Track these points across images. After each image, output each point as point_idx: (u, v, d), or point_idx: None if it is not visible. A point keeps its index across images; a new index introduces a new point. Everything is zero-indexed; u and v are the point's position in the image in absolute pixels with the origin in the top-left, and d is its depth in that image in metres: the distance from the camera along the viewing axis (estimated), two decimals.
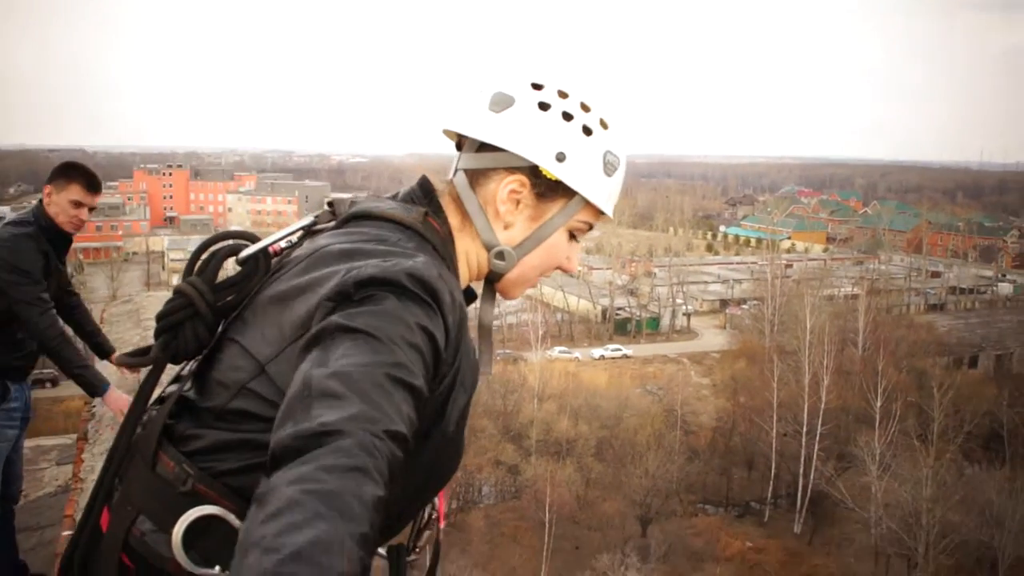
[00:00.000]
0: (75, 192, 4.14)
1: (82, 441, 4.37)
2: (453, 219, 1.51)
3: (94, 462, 4.04)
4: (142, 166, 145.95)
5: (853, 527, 36.80)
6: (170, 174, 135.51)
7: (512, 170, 1.47)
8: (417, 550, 1.64)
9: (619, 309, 72.74)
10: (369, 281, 1.21)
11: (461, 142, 1.54)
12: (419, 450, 1.28)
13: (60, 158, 4.59)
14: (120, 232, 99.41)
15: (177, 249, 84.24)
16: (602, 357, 61.85)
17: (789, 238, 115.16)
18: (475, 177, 1.50)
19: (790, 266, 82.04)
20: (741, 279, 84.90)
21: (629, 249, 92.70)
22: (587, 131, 1.47)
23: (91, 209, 4.25)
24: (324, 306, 1.21)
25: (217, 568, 1.30)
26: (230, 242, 1.49)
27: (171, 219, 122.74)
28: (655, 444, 39.28)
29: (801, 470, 38.83)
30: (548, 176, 1.46)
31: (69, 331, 4.23)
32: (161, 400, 1.49)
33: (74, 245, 4.37)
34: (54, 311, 4.11)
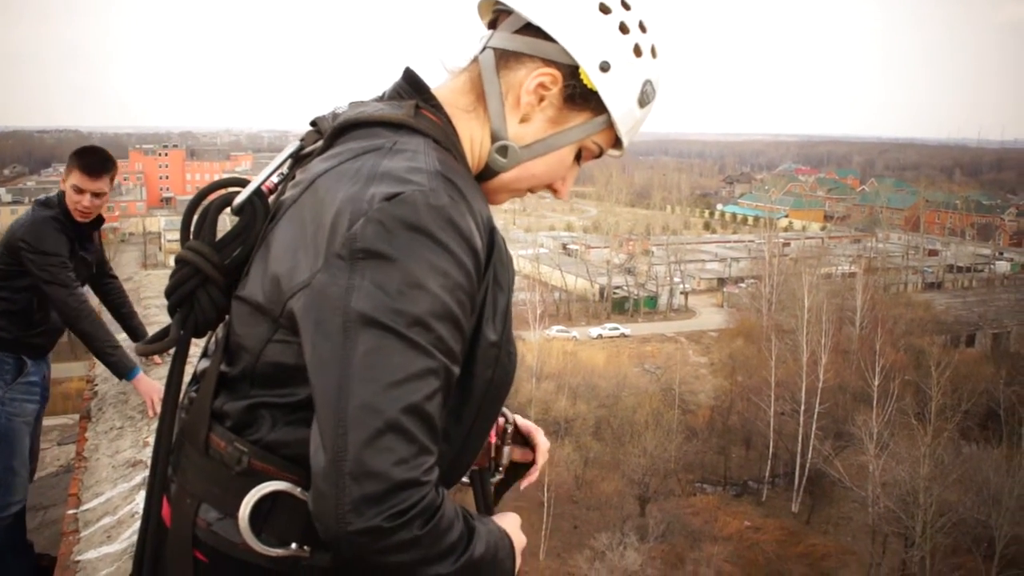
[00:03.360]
0: (74, 178, 4.05)
1: (84, 420, 4.33)
2: (464, 99, 1.40)
3: (97, 441, 4.00)
4: (137, 146, 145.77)
5: (851, 506, 36.90)
6: (166, 154, 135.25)
7: (548, 63, 1.34)
8: (501, 469, 1.64)
9: (616, 288, 72.69)
10: (381, 231, 1.13)
11: (496, 22, 1.42)
12: (469, 371, 1.26)
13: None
14: (117, 213, 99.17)
15: (174, 230, 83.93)
16: (600, 336, 61.83)
17: (787, 216, 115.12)
18: (504, 59, 1.37)
19: (788, 244, 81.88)
20: (739, 257, 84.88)
21: (626, 228, 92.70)
22: (638, 51, 1.37)
23: (97, 195, 4.11)
24: (334, 264, 1.14)
25: (293, 545, 1.24)
26: (221, 193, 1.38)
27: (167, 199, 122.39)
28: (653, 423, 39.27)
29: (799, 449, 38.86)
30: (585, 82, 1.35)
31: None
32: (195, 378, 1.41)
33: None
34: (81, 291, 4.07)
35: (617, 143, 1.44)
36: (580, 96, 1.36)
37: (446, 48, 1.47)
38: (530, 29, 1.35)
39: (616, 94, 1.37)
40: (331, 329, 1.12)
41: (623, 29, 1.36)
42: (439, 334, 1.13)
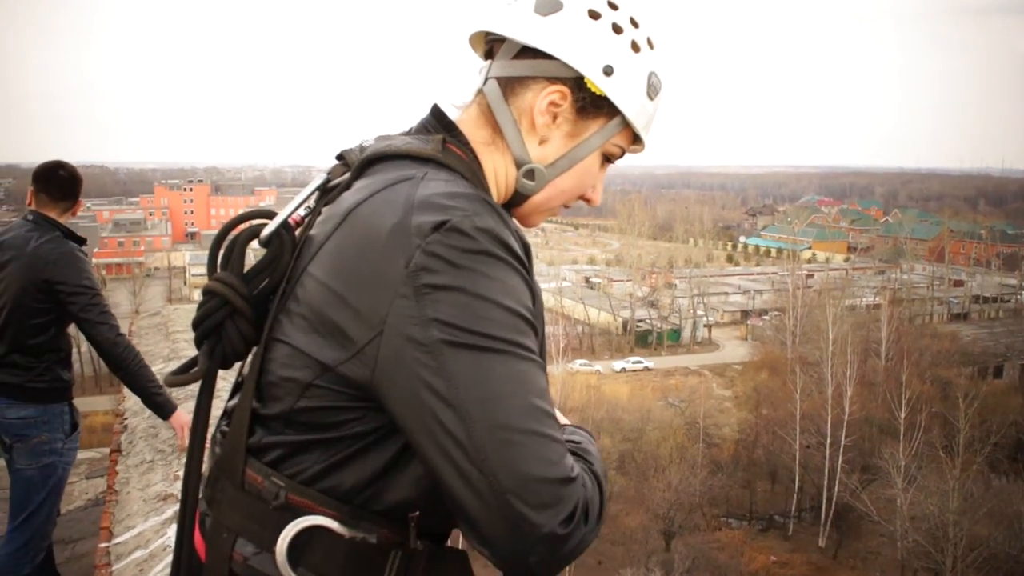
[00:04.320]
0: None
1: (115, 453, 4.36)
2: (482, 133, 1.40)
3: (128, 474, 4.03)
4: (163, 182, 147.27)
5: (878, 540, 36.36)
6: (191, 189, 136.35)
7: (553, 80, 1.36)
8: None
9: (640, 321, 72.49)
10: (438, 262, 1.14)
11: (492, 51, 1.43)
12: None
13: None
14: (142, 248, 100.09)
15: (199, 264, 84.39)
16: (623, 370, 61.64)
17: (810, 248, 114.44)
18: (509, 86, 1.38)
19: (811, 276, 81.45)
20: (762, 290, 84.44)
21: (649, 261, 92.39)
22: (635, 47, 1.39)
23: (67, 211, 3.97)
24: (401, 305, 1.13)
25: None
26: (248, 225, 1.37)
27: (192, 234, 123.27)
28: (678, 457, 39.01)
29: (825, 483, 38.40)
30: (593, 90, 1.36)
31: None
32: (226, 413, 1.40)
33: (96, 261, 4.16)
34: (122, 331, 3.88)
35: (636, 139, 1.46)
36: (591, 104, 1.38)
37: (448, 84, 1.49)
38: (527, 52, 1.36)
39: (625, 94, 1.38)
40: (424, 373, 1.12)
41: (616, 29, 1.37)
42: (522, 342, 1.16)
